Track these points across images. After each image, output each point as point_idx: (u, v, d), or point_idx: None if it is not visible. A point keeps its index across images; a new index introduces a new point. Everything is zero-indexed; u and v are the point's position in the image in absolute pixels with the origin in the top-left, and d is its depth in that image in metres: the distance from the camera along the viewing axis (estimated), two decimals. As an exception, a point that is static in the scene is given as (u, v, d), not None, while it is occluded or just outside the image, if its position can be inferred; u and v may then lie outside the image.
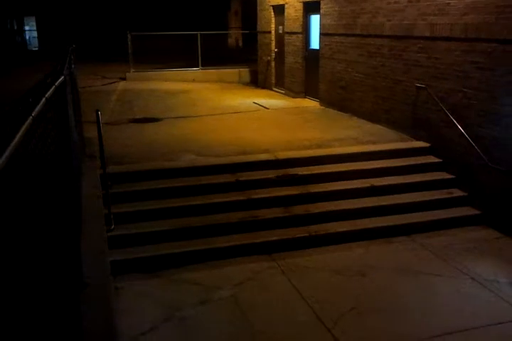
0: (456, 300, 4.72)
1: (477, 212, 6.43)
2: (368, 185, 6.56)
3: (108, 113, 9.77)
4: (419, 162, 7.06)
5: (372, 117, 8.87)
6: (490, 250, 5.70)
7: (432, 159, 7.13)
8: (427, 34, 7.23)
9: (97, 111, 5.72)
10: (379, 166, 6.87)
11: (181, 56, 16.90)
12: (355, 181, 6.64)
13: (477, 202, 6.49)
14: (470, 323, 4.33)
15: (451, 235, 6.07)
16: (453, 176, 6.85)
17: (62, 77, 3.95)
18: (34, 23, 31.64)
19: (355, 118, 9.26)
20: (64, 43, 11.09)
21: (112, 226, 5.37)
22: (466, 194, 6.63)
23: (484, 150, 6.25)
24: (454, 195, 6.66)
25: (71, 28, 26.71)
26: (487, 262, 5.44)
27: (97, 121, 5.64)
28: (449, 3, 6.79)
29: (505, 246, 5.82)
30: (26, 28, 32.87)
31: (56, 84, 3.34)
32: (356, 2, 9.15)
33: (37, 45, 31.21)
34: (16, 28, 32.56)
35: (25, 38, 32.75)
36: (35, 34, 31.65)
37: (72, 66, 6.99)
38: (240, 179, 6.39)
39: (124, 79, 15.42)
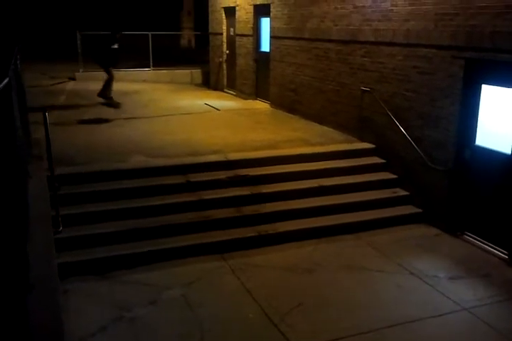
0: (397, 294, 4.95)
1: (418, 210, 6.74)
2: (316, 185, 6.76)
3: (56, 113, 9.60)
4: (365, 163, 7.32)
5: (320, 119, 9.10)
6: (430, 246, 5.99)
7: (377, 160, 7.42)
8: (372, 39, 7.51)
9: (45, 110, 5.65)
10: (326, 167, 7.08)
11: (133, 56, 16.70)
12: (303, 181, 6.82)
13: (418, 200, 6.80)
14: (410, 316, 4.55)
15: (394, 233, 6.35)
16: (396, 176, 7.15)
17: (8, 78, 3.91)
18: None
19: (304, 120, 9.48)
20: (10, 42, 10.81)
21: (60, 229, 5.33)
22: (408, 193, 6.94)
23: (424, 151, 6.56)
24: (397, 194, 6.95)
25: (18, 26, 25.94)
26: (427, 258, 5.72)
27: (45, 122, 5.57)
28: (392, 9, 7.08)
29: (443, 242, 6.13)
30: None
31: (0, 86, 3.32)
32: (305, 6, 9.37)
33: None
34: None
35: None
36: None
37: (19, 66, 6.86)
38: (191, 180, 6.45)
39: (73, 79, 15.11)
